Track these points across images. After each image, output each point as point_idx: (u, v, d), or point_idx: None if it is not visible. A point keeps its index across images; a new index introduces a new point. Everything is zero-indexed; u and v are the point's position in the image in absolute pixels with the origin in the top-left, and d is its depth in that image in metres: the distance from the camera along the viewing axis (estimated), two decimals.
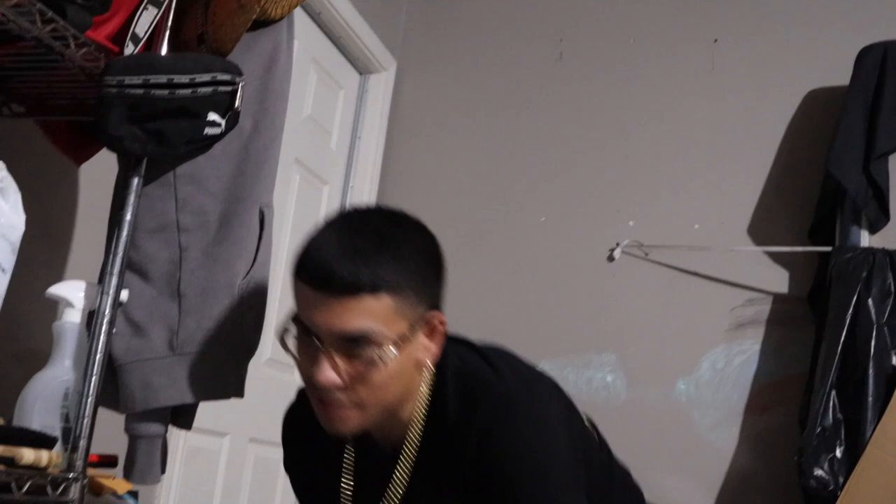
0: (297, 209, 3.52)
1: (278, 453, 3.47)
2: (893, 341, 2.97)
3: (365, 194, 3.89)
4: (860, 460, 2.84)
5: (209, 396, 1.61)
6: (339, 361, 1.36)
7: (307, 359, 1.40)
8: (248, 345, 1.64)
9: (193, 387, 1.57)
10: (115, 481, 2.17)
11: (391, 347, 1.36)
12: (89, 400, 1.49)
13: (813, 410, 2.98)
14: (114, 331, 1.53)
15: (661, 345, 3.48)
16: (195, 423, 2.94)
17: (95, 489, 2.10)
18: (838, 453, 2.92)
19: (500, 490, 1.40)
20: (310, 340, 1.38)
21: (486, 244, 3.77)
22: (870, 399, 2.92)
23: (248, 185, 1.62)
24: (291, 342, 1.44)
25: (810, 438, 2.93)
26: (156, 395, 1.55)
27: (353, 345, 1.35)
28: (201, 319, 1.57)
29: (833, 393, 2.97)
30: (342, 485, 1.57)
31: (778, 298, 3.37)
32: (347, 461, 1.59)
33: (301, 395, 1.68)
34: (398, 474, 1.49)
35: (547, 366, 3.51)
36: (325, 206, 3.76)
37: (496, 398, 1.44)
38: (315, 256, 1.36)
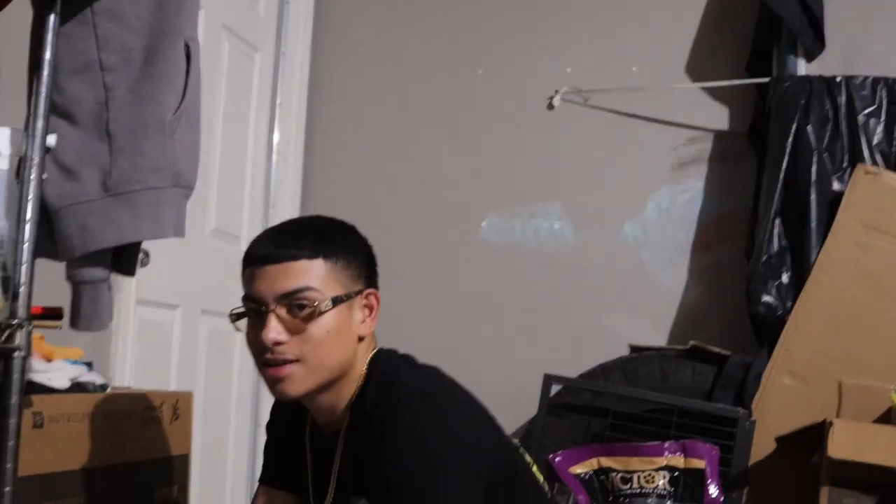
0: (228, 80, 3.44)
1: (230, 325, 3.49)
2: (834, 167, 3.00)
3: (297, 63, 3.82)
4: (806, 284, 2.89)
5: (148, 235, 1.58)
6: (283, 316, 1.56)
7: (255, 328, 1.60)
8: (185, 181, 1.60)
9: (132, 226, 1.54)
10: (68, 349, 2.16)
11: (328, 302, 1.57)
12: (25, 247, 1.45)
13: (758, 240, 3.01)
14: (44, 177, 1.48)
15: (606, 189, 3.49)
16: (145, 296, 2.94)
17: (47, 356, 2.08)
18: (784, 279, 2.96)
19: (384, 485, 1.50)
20: (256, 311, 1.59)
21: (424, 100, 3.72)
22: (813, 224, 2.96)
23: (171, 18, 1.56)
24: (242, 323, 1.64)
25: (757, 267, 2.98)
26: (93, 237, 1.51)
27: (293, 300, 1.56)
28: (133, 158, 1.53)
29: (777, 221, 3.00)
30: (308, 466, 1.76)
31: (719, 135, 3.38)
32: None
33: None
34: (336, 458, 1.66)
35: (494, 219, 3.52)
36: (258, 77, 3.68)
37: (401, 395, 1.57)
38: (257, 244, 1.63)
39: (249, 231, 3.57)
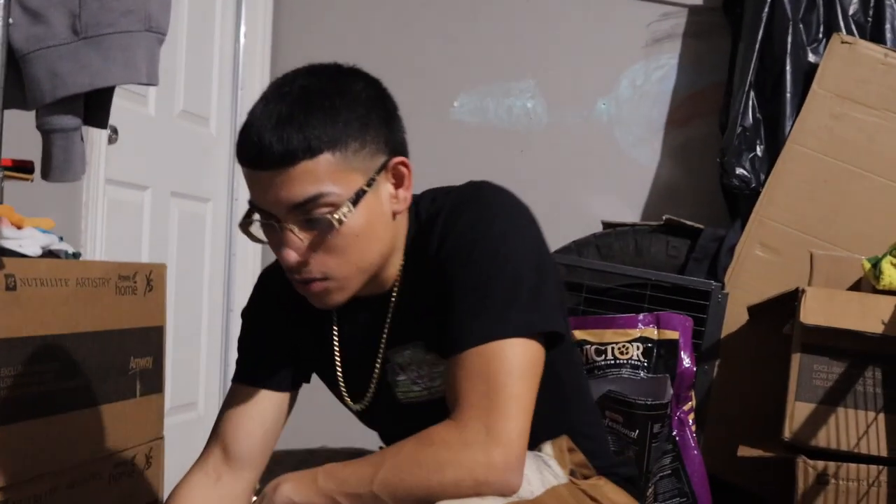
0: None
1: (202, 208, 3.48)
2: (809, 38, 2.98)
3: None
4: (780, 156, 2.90)
5: (121, 80, 1.53)
6: (299, 234, 1.28)
7: (273, 242, 1.32)
8: (157, 25, 1.56)
9: (103, 71, 1.49)
10: (38, 219, 2.12)
11: (348, 205, 1.27)
12: None
13: (733, 113, 3.00)
14: (10, 21, 1.44)
15: (580, 66, 3.46)
16: (114, 176, 2.90)
17: (17, 224, 2.04)
18: (759, 152, 2.96)
19: (459, 274, 1.30)
20: (269, 222, 1.30)
21: None
22: (788, 96, 2.95)
23: None
24: (256, 228, 1.35)
25: (731, 139, 2.97)
26: (64, 82, 1.47)
27: (306, 213, 1.27)
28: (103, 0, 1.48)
29: (752, 93, 2.99)
30: (334, 344, 1.49)
31: (693, 10, 3.35)
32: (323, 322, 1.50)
33: (270, 269, 1.60)
34: (388, 316, 1.43)
35: (466, 98, 3.48)
36: None
37: (462, 190, 1.39)
38: (247, 135, 1.27)
39: (218, 113, 3.52)
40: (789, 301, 2.54)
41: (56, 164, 1.54)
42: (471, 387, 1.24)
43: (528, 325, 1.27)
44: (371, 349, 1.45)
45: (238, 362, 1.59)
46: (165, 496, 2.42)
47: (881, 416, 2.41)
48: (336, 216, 1.26)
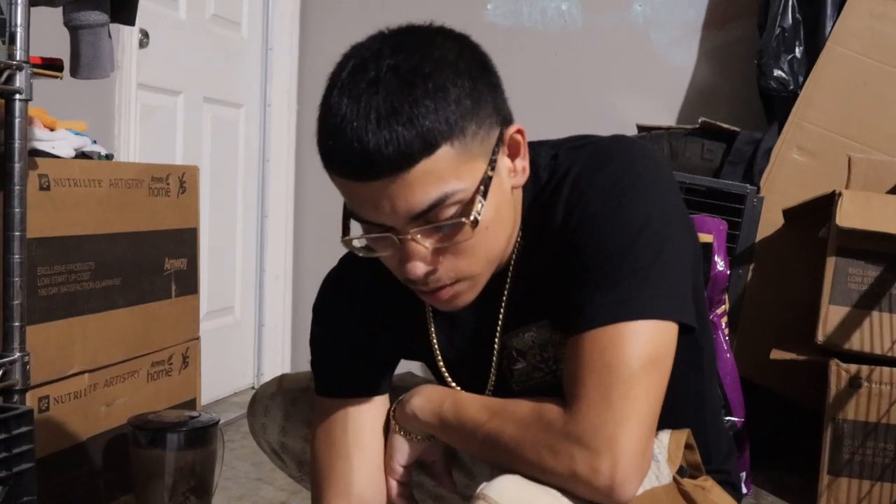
0: None
1: (235, 114, 3.47)
2: None
3: None
4: (820, 57, 2.84)
5: None
6: (425, 243, 1.08)
7: (389, 254, 1.12)
8: None
9: None
10: (71, 122, 2.13)
11: (478, 199, 1.07)
12: None
13: (772, 13, 2.94)
14: None
15: None
16: (145, 81, 2.90)
17: (49, 126, 2.05)
18: (798, 53, 2.90)
19: (588, 243, 1.11)
20: (383, 234, 1.10)
21: None
22: None
23: None
24: (361, 243, 1.14)
25: (769, 41, 2.91)
26: None
27: (433, 219, 1.07)
28: None
29: None
30: (432, 336, 1.32)
31: None
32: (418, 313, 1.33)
33: (343, 263, 1.40)
34: (504, 295, 1.24)
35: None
36: None
37: (594, 147, 1.18)
38: (341, 140, 1.03)
39: (250, 18, 3.49)
40: (825, 204, 2.51)
41: (85, 60, 1.54)
42: (586, 376, 1.06)
43: (662, 306, 1.08)
44: (483, 335, 1.28)
45: (321, 372, 1.37)
46: (202, 397, 2.47)
47: None
48: (471, 217, 1.07)
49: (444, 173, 1.04)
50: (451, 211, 1.06)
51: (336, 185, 1.09)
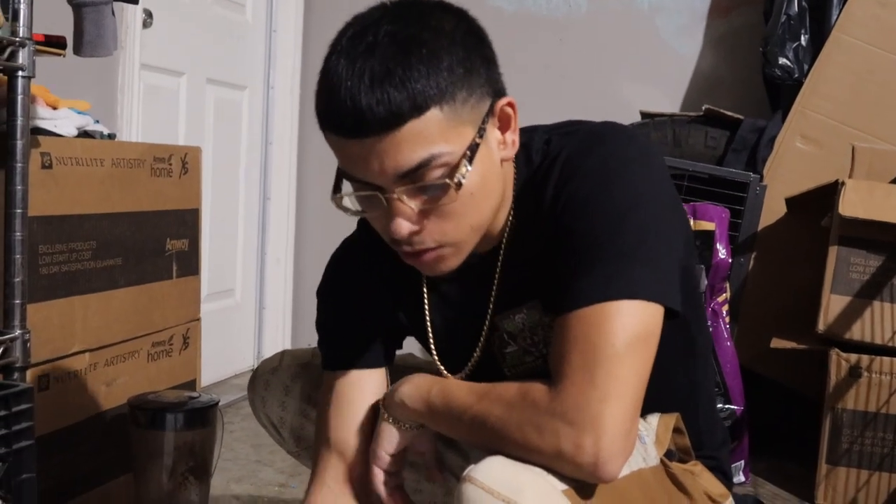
0: None
1: (238, 95, 3.47)
2: None
3: None
4: (825, 45, 2.83)
5: None
6: (411, 203, 1.12)
7: (375, 213, 1.16)
8: None
9: None
10: (74, 101, 2.12)
11: (464, 163, 1.10)
12: None
13: (777, 1, 2.93)
14: None
15: None
16: (148, 61, 2.89)
17: (52, 105, 2.04)
18: (803, 41, 2.89)
19: (576, 225, 1.14)
20: (370, 193, 1.13)
21: None
22: None
23: None
24: (350, 201, 1.18)
25: (775, 28, 2.90)
26: None
27: (419, 179, 1.10)
28: None
29: None
30: (425, 310, 1.36)
31: None
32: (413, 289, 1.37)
33: (345, 245, 1.45)
34: (496, 274, 1.28)
35: None
36: None
37: (585, 132, 1.21)
38: (335, 99, 1.08)
39: (254, 0, 3.48)
40: (829, 193, 2.51)
41: (88, 38, 1.54)
42: (571, 354, 1.07)
43: (647, 287, 1.09)
44: (474, 314, 1.31)
45: (326, 348, 1.42)
46: (202, 378, 2.48)
47: None
48: (455, 179, 1.10)
49: (432, 135, 1.08)
50: (438, 173, 1.10)
51: (330, 145, 1.13)
